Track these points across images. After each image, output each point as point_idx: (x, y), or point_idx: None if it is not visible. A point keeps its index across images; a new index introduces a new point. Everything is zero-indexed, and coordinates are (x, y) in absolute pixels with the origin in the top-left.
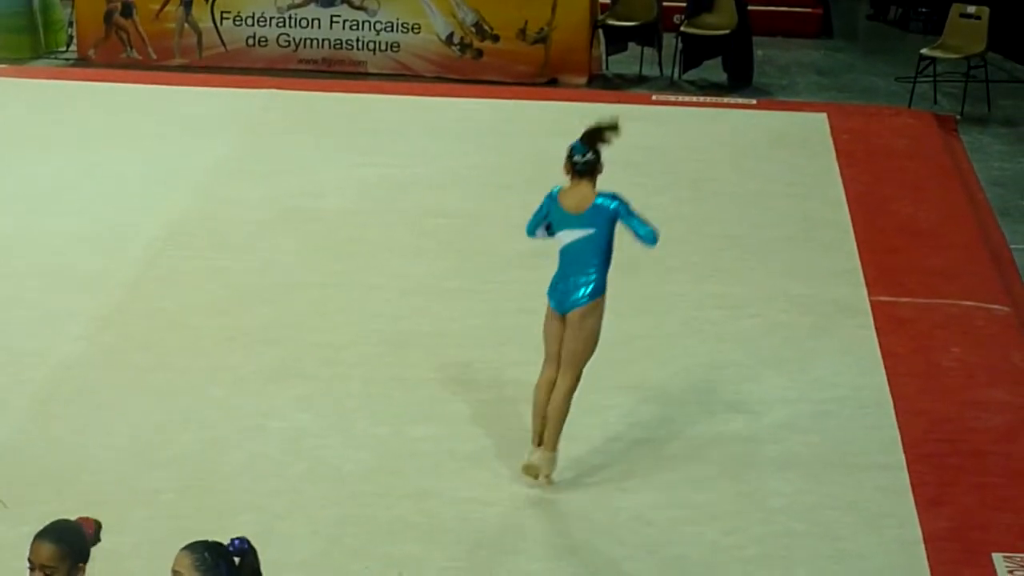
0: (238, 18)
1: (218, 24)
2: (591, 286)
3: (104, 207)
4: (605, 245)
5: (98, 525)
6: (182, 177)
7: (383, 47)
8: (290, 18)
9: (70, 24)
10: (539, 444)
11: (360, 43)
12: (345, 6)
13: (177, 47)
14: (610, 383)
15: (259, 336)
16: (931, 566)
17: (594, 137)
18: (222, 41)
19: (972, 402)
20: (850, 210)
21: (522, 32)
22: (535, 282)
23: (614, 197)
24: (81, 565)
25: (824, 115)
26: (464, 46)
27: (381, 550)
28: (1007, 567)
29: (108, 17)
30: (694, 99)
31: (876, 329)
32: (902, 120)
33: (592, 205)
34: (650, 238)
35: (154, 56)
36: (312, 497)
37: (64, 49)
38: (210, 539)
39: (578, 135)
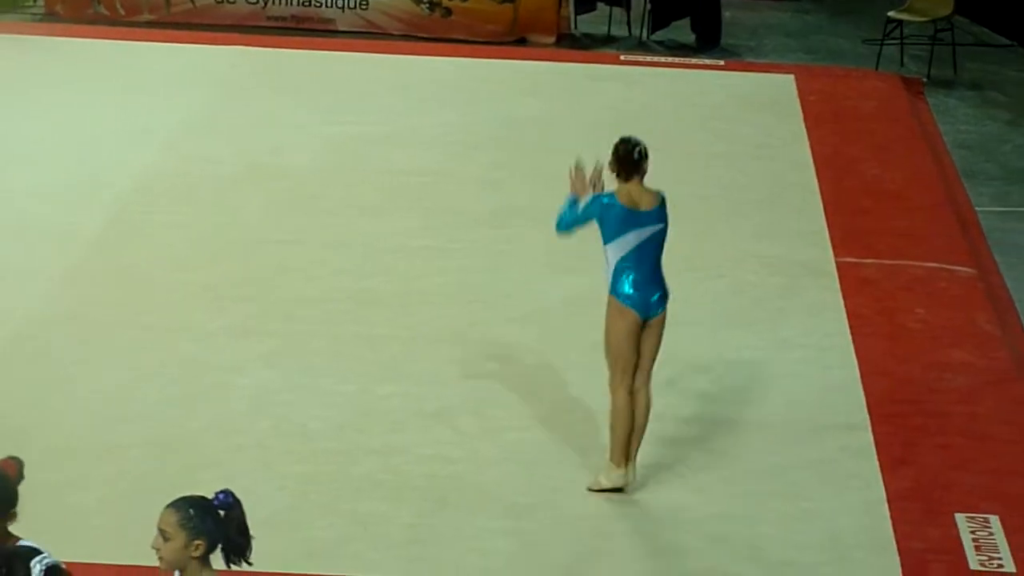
0: None
1: None
2: (665, 284)
3: (71, 162)
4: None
5: (19, 463)
6: (150, 133)
7: (352, 4)
8: None
9: None
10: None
11: (329, 0)
12: None
13: (145, 3)
14: (575, 342)
15: (225, 292)
16: (895, 526)
17: (630, 150)
18: None
19: (936, 363)
20: (817, 172)
21: None
22: (503, 240)
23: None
24: (12, 512)
25: (792, 77)
26: (433, 4)
27: (347, 507)
28: (969, 527)
29: None
30: (662, 60)
31: (842, 290)
32: (869, 82)
33: (659, 198)
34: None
35: (122, 12)
36: (278, 454)
37: (32, 4)
38: (193, 494)
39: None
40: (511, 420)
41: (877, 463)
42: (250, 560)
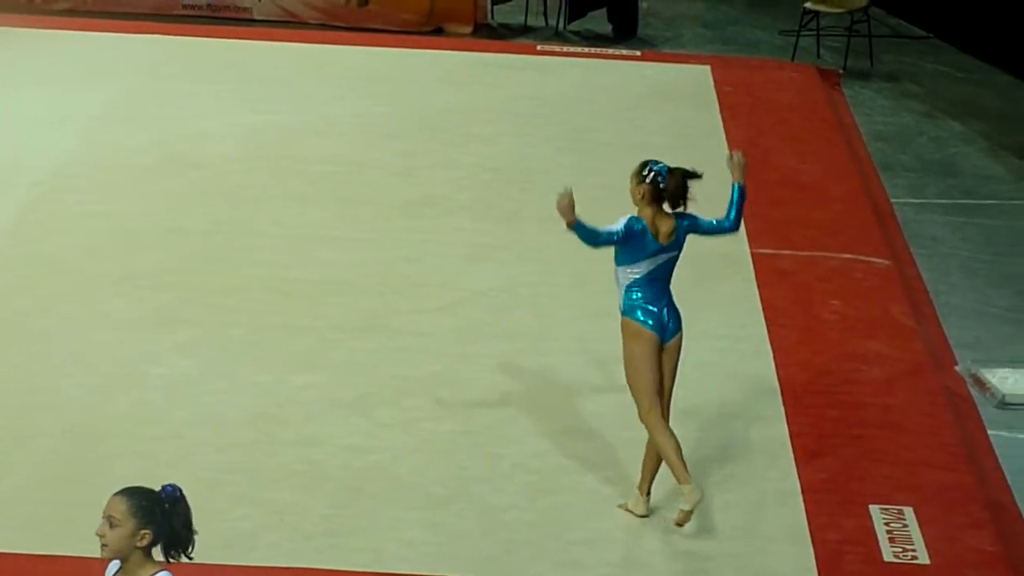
0: None
1: None
2: (675, 305)
3: None
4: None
5: None
6: (67, 121)
7: None
8: None
9: None
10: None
11: None
12: None
13: None
14: (490, 332)
15: (143, 282)
16: (809, 517)
17: (682, 183)
18: None
19: (851, 354)
20: None
21: None
22: (418, 230)
23: (680, 215)
24: None
25: (708, 68)
26: None
27: (264, 496)
28: (883, 519)
29: None
30: (579, 50)
31: (757, 281)
32: (785, 74)
33: (677, 226)
34: (732, 224)
35: None
36: (194, 443)
37: None
38: (142, 485)
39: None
40: (428, 411)
41: (792, 454)
42: (191, 555)
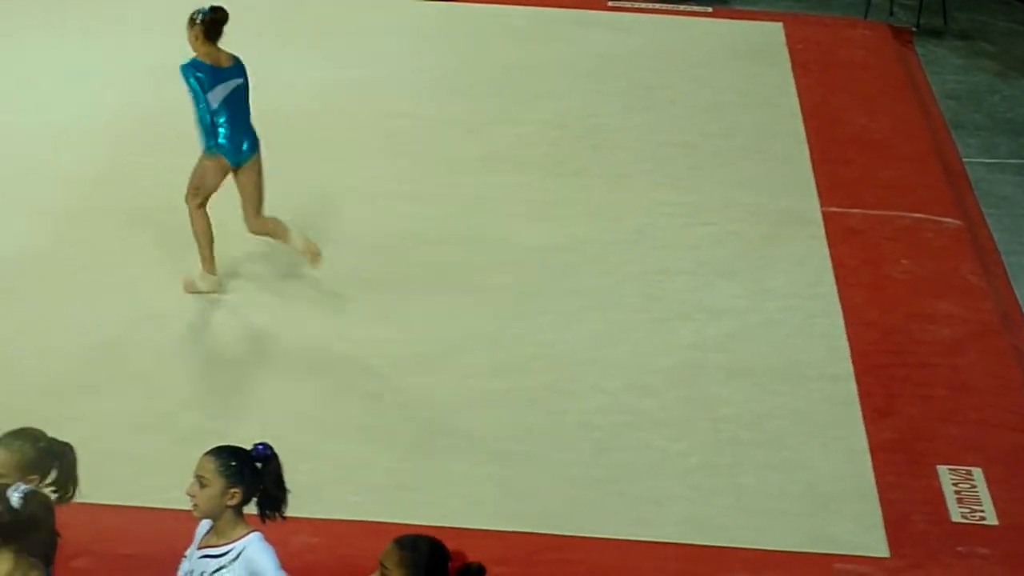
0: None
1: None
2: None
3: (53, 103)
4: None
5: None
6: (139, 76)
7: None
8: None
9: None
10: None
11: None
12: None
13: None
14: (555, 288)
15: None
16: (877, 477)
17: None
18: None
19: (920, 314)
20: (804, 121)
21: None
22: (485, 186)
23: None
24: None
25: (780, 25)
26: None
27: (328, 449)
28: (951, 479)
29: None
30: (650, 6)
31: (827, 240)
32: (858, 31)
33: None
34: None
35: None
36: (261, 396)
37: None
38: (232, 444)
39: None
40: (491, 366)
41: (860, 413)
42: (284, 514)
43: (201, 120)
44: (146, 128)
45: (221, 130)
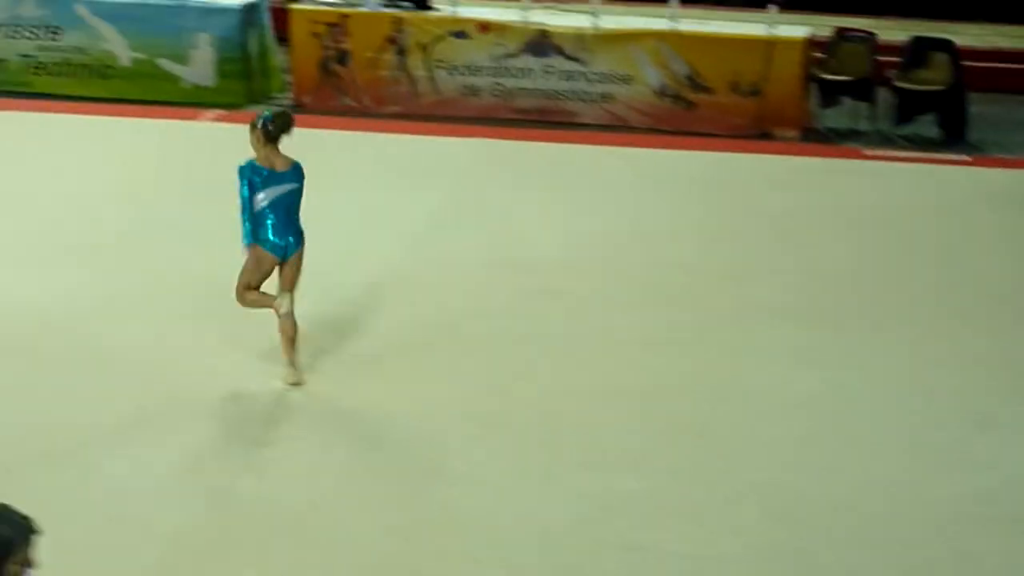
0: (452, 67)
1: (432, 73)
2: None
3: (316, 251)
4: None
5: None
6: (395, 223)
7: (595, 97)
8: (503, 68)
9: (286, 70)
10: None
11: (573, 93)
12: (558, 56)
13: (392, 94)
14: (818, 438)
15: (475, 382)
16: None
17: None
18: (436, 89)
19: None
20: None
21: (735, 84)
22: (743, 335)
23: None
24: None
25: None
26: (676, 98)
27: None
28: None
29: (324, 64)
30: (907, 154)
31: None
32: None
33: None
34: None
35: (369, 103)
36: (516, 548)
37: (279, 95)
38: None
39: (791, 188)
40: (758, 520)
41: None
42: None
43: (242, 219)
44: (394, 276)
45: (269, 225)
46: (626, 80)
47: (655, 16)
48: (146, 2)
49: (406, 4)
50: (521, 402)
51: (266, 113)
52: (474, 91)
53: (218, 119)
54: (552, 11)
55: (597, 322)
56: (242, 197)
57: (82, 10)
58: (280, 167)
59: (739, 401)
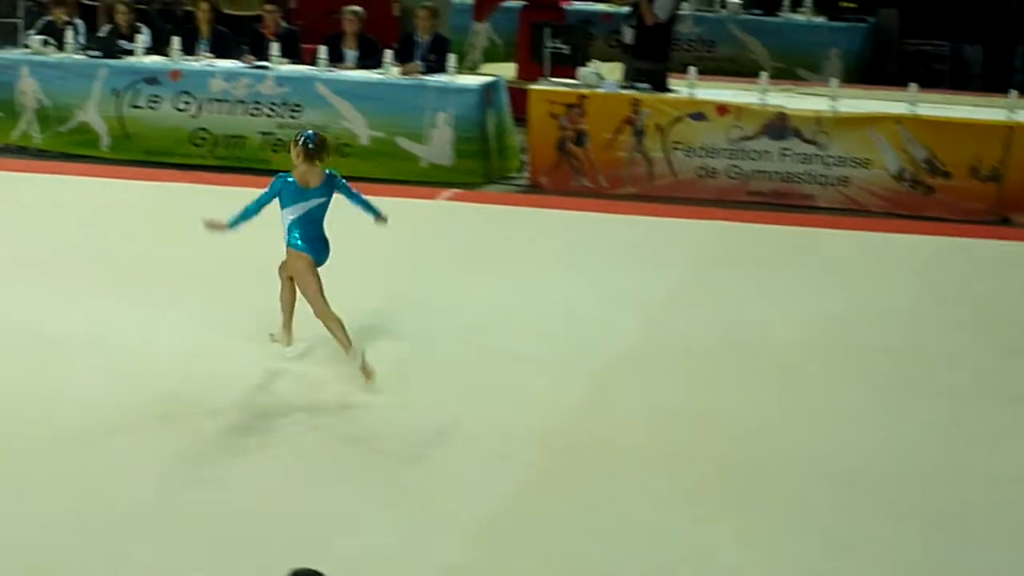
0: (689, 149)
1: (669, 154)
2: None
3: (552, 330)
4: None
5: None
6: (630, 304)
7: (832, 181)
8: (741, 150)
9: (523, 151)
10: None
11: (809, 176)
12: (796, 139)
13: (628, 175)
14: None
15: (681, 458)
16: None
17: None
18: (673, 171)
19: None
20: None
21: (974, 169)
22: (957, 416)
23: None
24: None
25: None
26: (915, 182)
27: None
28: None
29: (561, 145)
30: None
31: None
32: None
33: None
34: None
35: (605, 184)
36: None
37: (516, 175)
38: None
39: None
40: None
41: None
42: None
43: (244, 207)
44: (631, 357)
45: (296, 234)
46: (864, 164)
47: (893, 100)
48: (386, 81)
49: (644, 85)
50: (722, 473)
51: (309, 132)
52: (711, 173)
53: (454, 198)
54: (790, 94)
55: (828, 406)
56: (260, 197)
57: (323, 88)
58: (314, 183)
59: (952, 482)
